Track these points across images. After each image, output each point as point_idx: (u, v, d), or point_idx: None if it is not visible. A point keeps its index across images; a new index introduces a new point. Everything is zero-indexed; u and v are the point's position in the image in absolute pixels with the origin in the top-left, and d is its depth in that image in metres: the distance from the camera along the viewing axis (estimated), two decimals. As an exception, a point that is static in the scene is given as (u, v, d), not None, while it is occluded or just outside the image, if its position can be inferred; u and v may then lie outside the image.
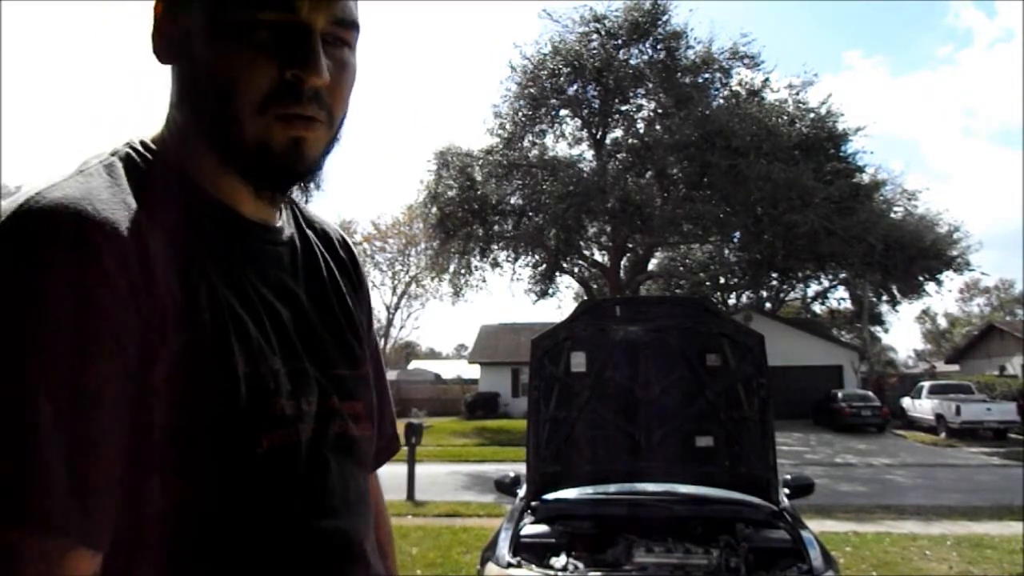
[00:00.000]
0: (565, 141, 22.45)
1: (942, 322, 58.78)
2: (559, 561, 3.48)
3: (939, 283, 22.97)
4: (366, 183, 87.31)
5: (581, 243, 21.69)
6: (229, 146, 0.74)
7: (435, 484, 11.72)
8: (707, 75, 20.89)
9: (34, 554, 0.57)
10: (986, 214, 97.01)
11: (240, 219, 0.79)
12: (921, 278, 22.80)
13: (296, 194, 0.81)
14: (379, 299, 39.80)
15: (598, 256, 23.49)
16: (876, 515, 9.43)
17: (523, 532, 3.69)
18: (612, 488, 4.06)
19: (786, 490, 4.20)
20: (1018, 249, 74.22)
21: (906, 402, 23.86)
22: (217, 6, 0.72)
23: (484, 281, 23.38)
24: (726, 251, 23.32)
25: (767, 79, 21.16)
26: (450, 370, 43.14)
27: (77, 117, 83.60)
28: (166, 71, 0.79)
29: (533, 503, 3.92)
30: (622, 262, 22.70)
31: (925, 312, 56.50)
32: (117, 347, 0.63)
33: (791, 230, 17.76)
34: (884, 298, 29.26)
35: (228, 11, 0.71)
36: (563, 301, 27.30)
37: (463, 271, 22.74)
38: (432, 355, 62.41)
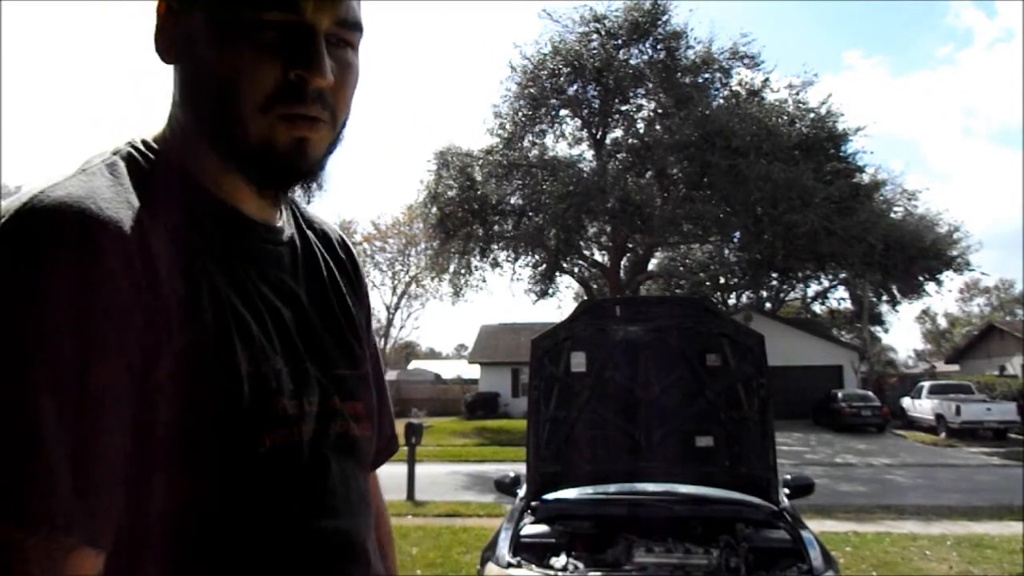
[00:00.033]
0: (565, 141, 22.49)
1: (942, 322, 58.81)
2: (559, 561, 3.48)
3: (939, 283, 22.99)
4: (366, 183, 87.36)
5: (581, 243, 21.69)
6: (232, 145, 0.74)
7: (435, 484, 11.72)
8: (707, 75, 20.89)
9: (38, 553, 0.57)
10: (986, 214, 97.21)
11: (242, 219, 0.79)
12: (921, 278, 22.80)
13: (299, 194, 0.81)
14: (379, 299, 39.81)
15: (598, 256, 23.50)
16: (876, 515, 9.43)
17: (523, 532, 3.69)
18: (612, 488, 4.06)
19: (786, 490, 4.20)
20: (1018, 249, 74.35)
21: (906, 402, 23.86)
22: (221, 6, 0.72)
23: (484, 281, 23.42)
24: (726, 251, 23.32)
25: (767, 79, 21.20)
26: (450, 370, 43.17)
27: (77, 117, 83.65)
28: (167, 71, 0.79)
29: (533, 503, 3.92)
30: (622, 262, 22.70)
31: (925, 312, 56.58)
32: (120, 346, 0.63)
33: (791, 230, 17.76)
34: (884, 298, 29.26)
35: (232, 11, 0.71)
36: (563, 301, 27.36)
37: (463, 271, 22.74)
38: (432, 355, 62.42)
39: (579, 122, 22.18)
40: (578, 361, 4.19)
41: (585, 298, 22.65)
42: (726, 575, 3.33)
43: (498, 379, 30.52)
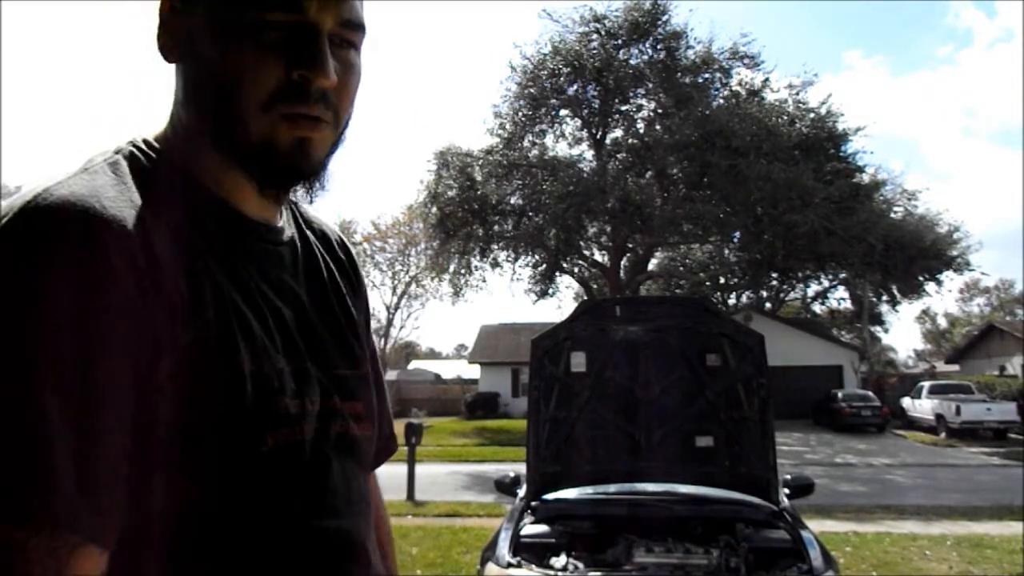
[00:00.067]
0: (565, 141, 22.50)
1: (942, 322, 58.82)
2: (559, 561, 3.48)
3: (939, 283, 23.00)
4: (366, 183, 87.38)
5: (581, 243, 21.70)
6: (233, 144, 0.74)
7: (435, 484, 11.72)
8: (707, 75, 20.89)
9: (40, 552, 0.57)
10: (986, 214, 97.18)
11: (243, 218, 0.79)
12: (921, 278, 22.81)
13: (302, 194, 0.82)
14: (379, 299, 39.83)
15: (598, 256, 23.51)
16: (876, 515, 9.43)
17: (523, 532, 3.69)
18: (612, 488, 4.06)
19: (786, 490, 4.20)
20: (1018, 249, 74.34)
21: (906, 402, 23.85)
22: (224, 5, 0.72)
23: (484, 281, 23.44)
24: (726, 251, 23.32)
25: (767, 79, 21.21)
26: (450, 370, 43.17)
27: (77, 117, 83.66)
28: (167, 71, 0.79)
29: (533, 503, 3.92)
30: (622, 262, 22.70)
31: (925, 312, 56.59)
32: (124, 345, 0.63)
33: (791, 230, 17.76)
34: (884, 298, 29.27)
35: (235, 10, 0.71)
36: (563, 301, 27.38)
37: (463, 271, 22.75)
38: (432, 355, 62.42)
39: (579, 122, 22.18)
40: (578, 361, 4.19)
41: (585, 298, 22.65)
42: (726, 575, 3.33)
43: (498, 379, 30.52)
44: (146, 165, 0.75)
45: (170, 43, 0.77)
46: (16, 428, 0.57)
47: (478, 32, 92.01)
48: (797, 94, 20.75)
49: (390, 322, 40.91)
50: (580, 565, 3.44)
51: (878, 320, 36.16)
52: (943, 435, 19.98)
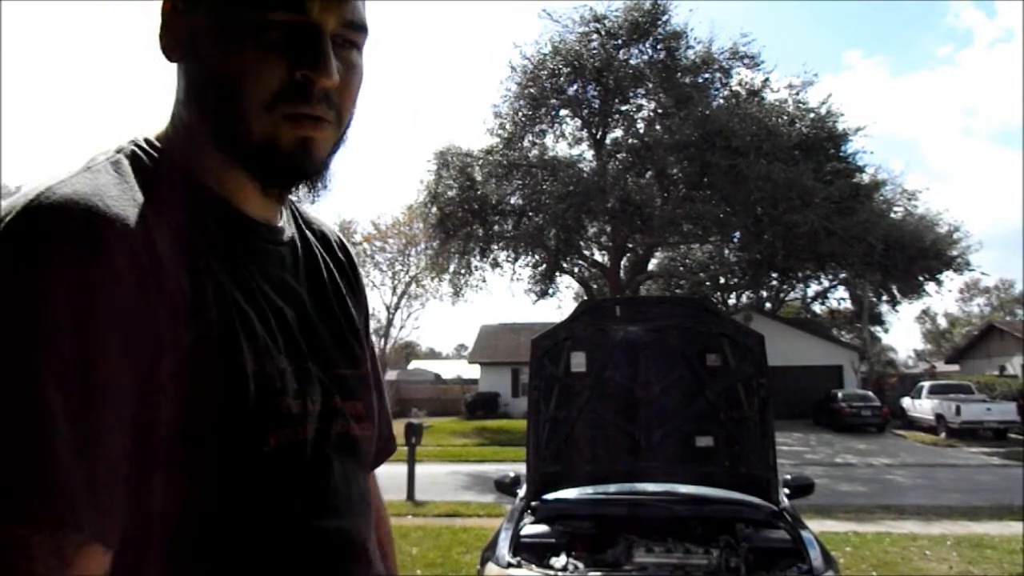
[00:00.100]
0: (565, 141, 22.50)
1: (942, 322, 58.81)
2: (559, 561, 3.48)
3: (939, 283, 23.00)
4: (366, 183, 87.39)
5: (581, 243, 21.70)
6: (235, 144, 0.74)
7: (435, 484, 11.73)
8: (707, 75, 20.89)
9: (46, 550, 0.57)
10: (986, 214, 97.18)
11: (244, 218, 0.79)
12: (921, 278, 22.81)
13: (304, 194, 0.82)
14: (379, 299, 39.80)
15: (598, 256, 23.51)
16: (876, 515, 9.43)
17: (523, 532, 3.69)
18: (612, 488, 4.06)
19: (786, 490, 4.20)
20: (1018, 249, 74.34)
21: (906, 402, 23.85)
22: (227, 5, 0.72)
23: (484, 281, 23.44)
24: (726, 251, 23.32)
25: (767, 79, 21.20)
26: (450, 370, 43.15)
27: (77, 117, 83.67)
28: (167, 71, 0.79)
29: (533, 503, 3.92)
30: (622, 262, 22.70)
31: (925, 312, 56.58)
32: (126, 344, 0.63)
33: (791, 230, 17.76)
34: (884, 298, 29.27)
35: (238, 10, 0.71)
36: (563, 301, 27.36)
37: (463, 271, 22.75)
38: (432, 355, 62.42)
39: (579, 122, 22.18)
40: (578, 361, 4.19)
41: (585, 298, 22.66)
42: (726, 575, 3.33)
43: (498, 379, 30.52)
44: (148, 164, 0.75)
45: (172, 43, 0.77)
46: (18, 427, 0.57)
47: (478, 32, 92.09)
48: (797, 94, 20.78)
49: (390, 322, 40.91)
50: (580, 565, 3.44)
51: (878, 320, 36.16)
52: (943, 435, 19.98)
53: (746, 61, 21.02)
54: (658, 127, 20.38)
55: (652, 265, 24.53)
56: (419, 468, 11.07)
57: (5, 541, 0.56)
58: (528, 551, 3.54)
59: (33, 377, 0.58)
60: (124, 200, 0.67)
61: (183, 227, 0.72)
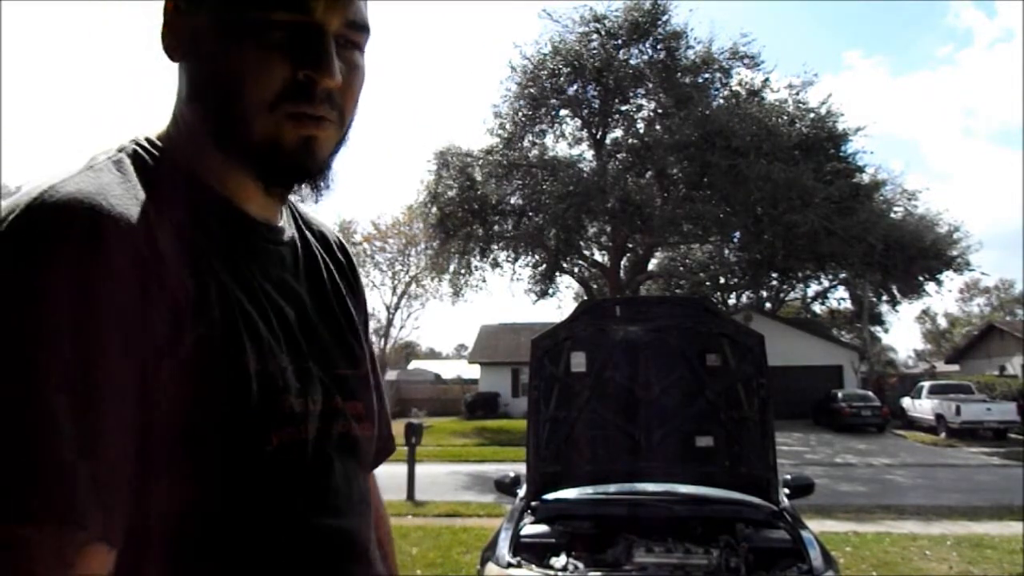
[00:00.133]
0: (565, 141, 22.50)
1: (942, 322, 58.80)
2: (559, 561, 3.48)
3: (939, 283, 22.99)
4: (366, 183, 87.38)
5: (581, 243, 21.70)
6: (237, 144, 0.74)
7: (435, 484, 11.73)
8: (707, 75, 20.89)
9: (47, 550, 0.56)
10: (986, 214, 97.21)
11: (245, 218, 0.80)
12: (921, 278, 22.80)
13: (307, 193, 0.82)
14: (379, 299, 39.76)
15: (598, 256, 23.51)
16: (876, 515, 9.43)
17: (523, 532, 3.69)
18: (612, 488, 4.06)
19: (786, 490, 4.20)
20: (1018, 249, 74.36)
21: (906, 402, 23.85)
22: (230, 5, 0.72)
23: (484, 281, 23.45)
24: (726, 251, 23.32)
25: (767, 79, 21.20)
26: (450, 370, 43.13)
27: (77, 117, 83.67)
28: (168, 70, 0.79)
29: (533, 503, 3.92)
30: (622, 262, 22.70)
31: (925, 312, 56.58)
32: (131, 343, 0.63)
33: (791, 230, 17.76)
34: (884, 298, 29.26)
35: (241, 10, 0.71)
36: (563, 301, 27.37)
37: (463, 271, 22.75)
38: (432, 355, 62.41)
39: (579, 122, 22.18)
40: (578, 361, 4.19)
41: (585, 298, 22.66)
42: (726, 575, 3.33)
43: (498, 379, 30.52)
44: (150, 164, 0.75)
45: (174, 42, 0.77)
46: (19, 426, 0.57)
47: (478, 32, 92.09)
48: (797, 94, 20.78)
49: (390, 322, 40.88)
50: (580, 565, 3.44)
51: (878, 320, 36.16)
52: (943, 435, 19.98)
53: (746, 61, 21.04)
54: (658, 127, 20.38)
55: (652, 265, 24.54)
56: (419, 468, 11.07)
57: (5, 541, 0.56)
58: (528, 551, 3.54)
59: (34, 376, 0.58)
60: (127, 199, 0.67)
61: (185, 227, 0.72)
